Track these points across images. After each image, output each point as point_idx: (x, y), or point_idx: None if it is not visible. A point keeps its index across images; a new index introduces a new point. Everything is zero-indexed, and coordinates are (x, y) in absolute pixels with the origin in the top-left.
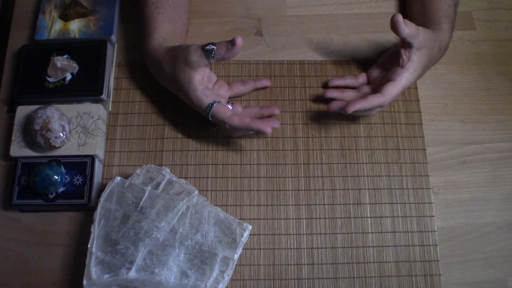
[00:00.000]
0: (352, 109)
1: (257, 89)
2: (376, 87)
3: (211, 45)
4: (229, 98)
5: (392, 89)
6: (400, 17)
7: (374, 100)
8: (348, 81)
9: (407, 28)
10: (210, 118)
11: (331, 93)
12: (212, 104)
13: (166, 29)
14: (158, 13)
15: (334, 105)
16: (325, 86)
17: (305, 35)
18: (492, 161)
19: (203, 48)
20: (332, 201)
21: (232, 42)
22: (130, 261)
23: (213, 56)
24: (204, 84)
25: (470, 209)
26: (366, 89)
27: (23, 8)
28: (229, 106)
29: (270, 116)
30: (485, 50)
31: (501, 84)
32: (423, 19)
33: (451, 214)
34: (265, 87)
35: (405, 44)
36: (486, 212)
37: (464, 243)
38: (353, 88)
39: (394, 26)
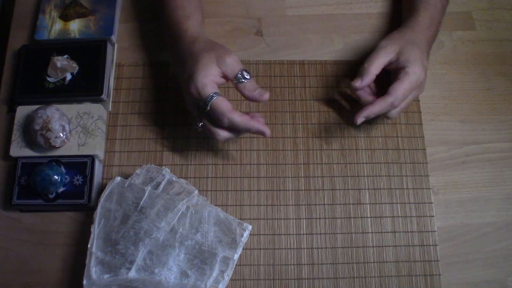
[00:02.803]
0: (359, 120)
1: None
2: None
3: (247, 75)
4: None
5: (399, 86)
6: (357, 85)
7: (382, 103)
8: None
9: (369, 76)
10: (207, 108)
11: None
12: (215, 94)
13: (199, 20)
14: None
15: (358, 118)
16: (325, 86)
17: (305, 35)
18: (492, 161)
19: (241, 72)
20: (332, 201)
21: (260, 94)
22: (130, 261)
23: (239, 82)
24: (214, 80)
25: (470, 209)
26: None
27: (23, 8)
28: None
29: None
30: (485, 50)
31: (501, 84)
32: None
33: (451, 214)
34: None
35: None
36: (486, 212)
37: (464, 243)
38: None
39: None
